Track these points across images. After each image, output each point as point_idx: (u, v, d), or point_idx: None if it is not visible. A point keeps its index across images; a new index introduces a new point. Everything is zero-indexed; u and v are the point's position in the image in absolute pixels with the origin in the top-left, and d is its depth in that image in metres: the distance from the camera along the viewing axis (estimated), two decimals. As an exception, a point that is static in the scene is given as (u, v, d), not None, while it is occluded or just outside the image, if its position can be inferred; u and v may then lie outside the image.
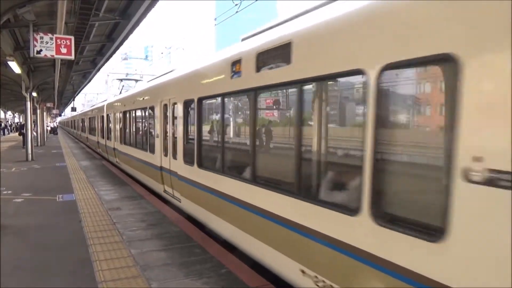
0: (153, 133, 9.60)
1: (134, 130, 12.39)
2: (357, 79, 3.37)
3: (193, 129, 6.97)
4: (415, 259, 2.61)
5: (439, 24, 2.47)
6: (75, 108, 45.86)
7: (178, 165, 7.63)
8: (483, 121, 2.20)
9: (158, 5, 10.32)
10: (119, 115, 14.51)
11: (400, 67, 2.83)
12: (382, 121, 2.94)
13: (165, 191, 8.72)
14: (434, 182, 2.68)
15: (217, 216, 5.90)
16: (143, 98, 10.89)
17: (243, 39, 5.65)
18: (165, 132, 8.68)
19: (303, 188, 3.94)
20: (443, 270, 2.42)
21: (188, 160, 7.08)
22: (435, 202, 2.55)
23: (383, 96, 2.92)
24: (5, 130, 43.85)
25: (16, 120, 64.86)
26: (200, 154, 6.58)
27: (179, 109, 7.61)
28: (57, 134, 46.75)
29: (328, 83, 3.80)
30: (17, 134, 40.43)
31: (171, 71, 9.34)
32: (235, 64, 5.17)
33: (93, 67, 21.21)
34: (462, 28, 2.35)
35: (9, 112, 58.39)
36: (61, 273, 4.68)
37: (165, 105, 8.59)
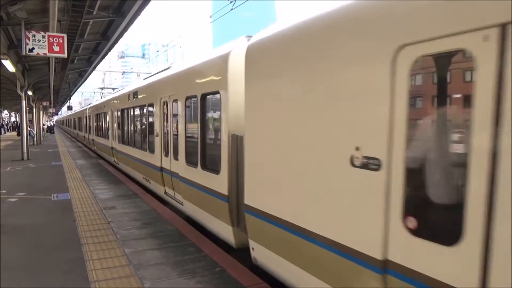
0: (109, 128, 15.65)
1: (101, 126, 18.31)
2: (146, 107, 9.64)
3: (120, 124, 13.55)
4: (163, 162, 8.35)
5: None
6: (71, 107, 45.72)
7: (117, 145, 13.82)
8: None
9: (155, 3, 10.54)
10: (94, 116, 20.80)
11: (152, 105, 9.00)
12: (150, 124, 9.35)
13: (114, 161, 14.69)
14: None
15: (128, 166, 12.09)
16: (104, 106, 17.28)
17: (144, 79, 11.07)
18: (113, 127, 14.71)
19: (136, 143, 10.77)
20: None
21: (119, 140, 13.46)
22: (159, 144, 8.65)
23: (150, 114, 9.27)
24: (1, 129, 43.57)
25: (13, 119, 64.59)
26: (123, 137, 12.89)
27: (117, 114, 13.90)
28: (53, 133, 46.48)
29: (143, 108, 9.89)
30: (14, 133, 40.29)
31: (122, 88, 15.80)
32: (128, 95, 11.67)
33: (88, 66, 21.10)
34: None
35: (5, 111, 58.09)
36: (54, 273, 4.64)
37: (112, 112, 14.89)
